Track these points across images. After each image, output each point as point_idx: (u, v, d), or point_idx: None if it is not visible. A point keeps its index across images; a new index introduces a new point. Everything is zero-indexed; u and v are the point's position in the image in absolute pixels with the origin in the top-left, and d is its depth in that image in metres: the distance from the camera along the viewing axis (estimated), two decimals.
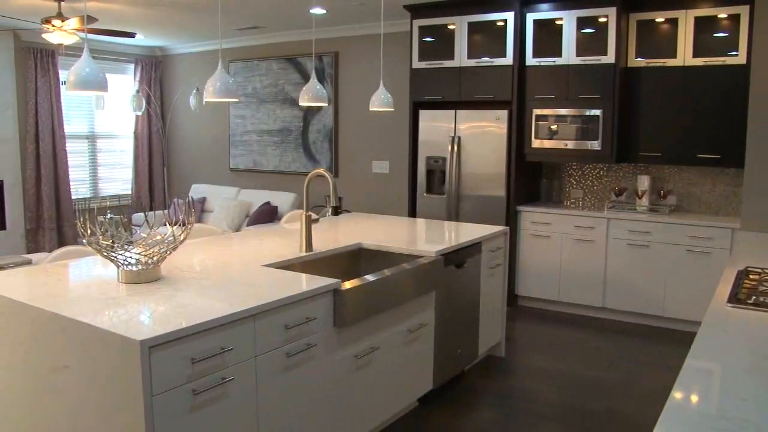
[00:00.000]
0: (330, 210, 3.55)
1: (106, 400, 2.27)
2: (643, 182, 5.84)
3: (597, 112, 5.66)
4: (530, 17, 5.90)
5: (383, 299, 3.28)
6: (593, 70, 5.65)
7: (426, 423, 3.76)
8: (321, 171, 3.63)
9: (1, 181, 8.15)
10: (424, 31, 6.36)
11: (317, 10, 6.66)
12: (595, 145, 5.70)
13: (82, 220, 2.78)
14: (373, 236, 4.23)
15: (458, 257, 4.07)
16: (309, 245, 3.66)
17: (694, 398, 1.66)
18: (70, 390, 2.41)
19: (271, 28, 7.93)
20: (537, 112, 5.96)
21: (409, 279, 3.48)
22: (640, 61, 5.64)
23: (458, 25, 6.13)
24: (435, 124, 6.32)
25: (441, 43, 6.28)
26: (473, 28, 6.08)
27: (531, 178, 6.43)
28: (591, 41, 5.65)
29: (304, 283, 2.93)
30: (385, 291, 3.29)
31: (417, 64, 6.42)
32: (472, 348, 4.41)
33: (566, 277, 5.92)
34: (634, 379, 4.43)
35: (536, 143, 6.00)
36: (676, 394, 1.67)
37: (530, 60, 5.94)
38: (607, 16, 5.53)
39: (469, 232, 4.48)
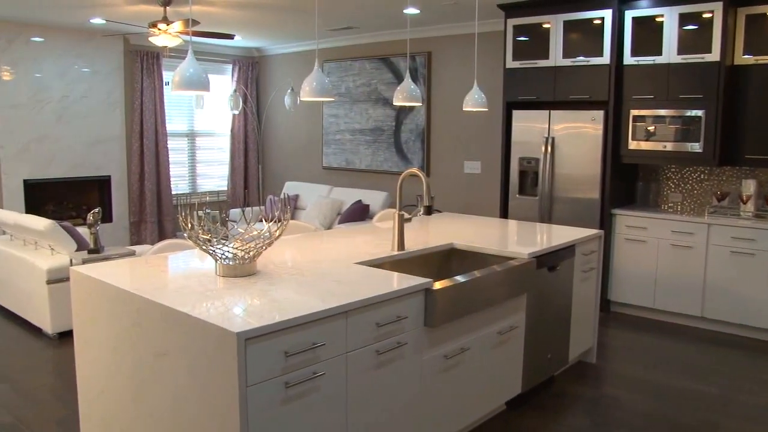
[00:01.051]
0: (423, 209, 3.56)
1: (203, 387, 2.36)
2: (749, 186, 5.57)
3: (699, 112, 5.44)
4: (629, 14, 5.72)
5: (474, 300, 3.26)
6: (696, 68, 5.43)
7: (514, 427, 3.71)
8: (414, 170, 3.64)
9: (109, 176, 8.59)
10: (518, 30, 6.28)
11: (411, 10, 6.68)
12: (695, 147, 5.48)
13: (183, 214, 2.89)
14: (465, 237, 4.21)
15: (551, 260, 3.99)
16: (401, 244, 3.68)
17: None
18: (170, 376, 2.52)
19: (365, 29, 8.01)
20: (634, 112, 5.78)
21: (500, 280, 3.45)
22: (748, 59, 5.38)
23: (553, 24, 6.02)
24: (528, 125, 6.23)
25: (536, 42, 6.18)
26: (569, 26, 5.95)
27: (626, 181, 6.24)
28: (694, 38, 5.43)
29: (396, 281, 2.94)
30: (477, 292, 3.27)
31: (511, 63, 6.34)
32: (563, 353, 4.32)
33: (662, 284, 5.72)
34: (733, 394, 4.23)
35: (633, 145, 5.82)
36: None
37: (628, 59, 5.77)
38: (712, 12, 5.30)
39: (562, 234, 4.39)
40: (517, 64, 6.30)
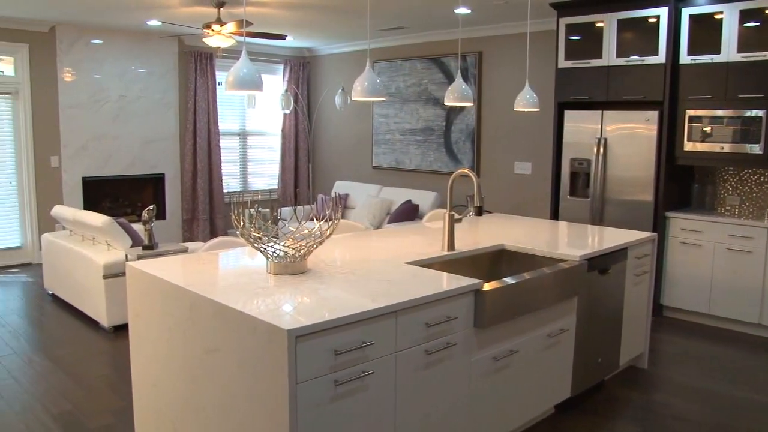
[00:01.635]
0: (473, 210, 3.54)
1: (253, 384, 2.39)
2: None
3: (759, 112, 5.29)
4: (686, 12, 5.59)
5: (524, 302, 3.24)
6: (757, 67, 5.28)
7: (562, 431, 3.67)
8: (465, 171, 3.63)
9: (163, 174, 8.77)
10: (571, 29, 6.20)
11: (462, 10, 6.66)
12: (755, 148, 5.33)
13: (236, 212, 2.93)
14: (515, 238, 4.18)
15: (602, 263, 3.93)
16: (451, 244, 3.67)
17: None
18: (221, 372, 2.56)
19: (415, 29, 8.01)
20: (690, 113, 5.65)
21: (551, 283, 3.41)
22: None
23: (607, 23, 5.92)
24: (580, 125, 6.15)
25: (588, 41, 6.10)
26: (623, 25, 5.85)
27: (681, 183, 6.10)
28: (756, 36, 5.28)
29: (446, 282, 2.94)
30: (527, 294, 3.24)
31: (563, 63, 6.26)
32: (613, 357, 4.25)
33: (718, 289, 5.57)
34: None
35: (688, 146, 5.69)
36: None
37: (684, 58, 5.64)
38: None
39: (614, 237, 4.32)
40: (569, 64, 6.22)
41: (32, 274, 7.41)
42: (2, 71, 7.58)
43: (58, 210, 6.29)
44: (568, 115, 6.23)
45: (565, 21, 6.22)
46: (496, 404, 3.25)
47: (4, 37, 7.40)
